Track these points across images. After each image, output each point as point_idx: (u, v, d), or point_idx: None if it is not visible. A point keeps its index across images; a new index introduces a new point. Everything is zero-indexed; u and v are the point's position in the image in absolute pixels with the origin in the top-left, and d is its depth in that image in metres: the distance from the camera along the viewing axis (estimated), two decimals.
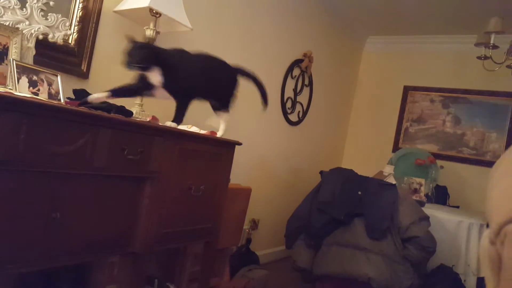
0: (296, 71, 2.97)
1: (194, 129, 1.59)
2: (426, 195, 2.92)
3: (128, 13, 1.56)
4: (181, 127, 1.57)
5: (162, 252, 1.56)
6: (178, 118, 1.36)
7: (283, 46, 2.78)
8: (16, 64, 1.17)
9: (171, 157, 1.29)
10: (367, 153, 3.86)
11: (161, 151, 1.24)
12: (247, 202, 1.99)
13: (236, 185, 1.96)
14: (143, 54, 1.24)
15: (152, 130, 1.22)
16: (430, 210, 2.46)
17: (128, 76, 1.66)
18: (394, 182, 2.51)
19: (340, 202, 2.26)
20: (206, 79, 1.43)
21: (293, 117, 3.04)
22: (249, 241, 2.52)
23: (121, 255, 1.26)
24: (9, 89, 1.10)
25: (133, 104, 1.53)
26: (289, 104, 2.95)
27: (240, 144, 1.65)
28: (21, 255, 0.91)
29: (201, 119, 1.65)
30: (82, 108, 1.08)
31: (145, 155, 1.18)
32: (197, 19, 1.94)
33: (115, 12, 1.55)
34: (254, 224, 2.72)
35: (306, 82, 3.13)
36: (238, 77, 1.59)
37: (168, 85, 1.30)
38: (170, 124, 1.32)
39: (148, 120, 1.46)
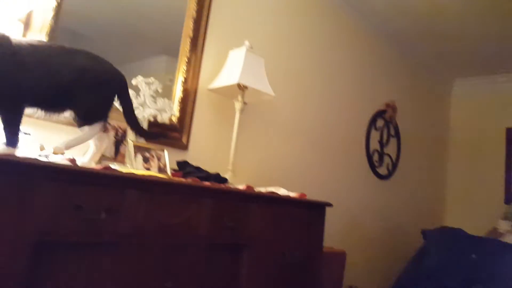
0: (380, 122, 2.88)
1: (282, 191, 1.60)
2: None
3: (220, 90, 1.73)
4: (270, 189, 1.59)
5: None
6: (10, 138, 0.89)
7: (363, 99, 2.75)
8: (133, 144, 1.36)
9: (265, 223, 1.30)
10: (474, 207, 3.37)
11: (256, 217, 1.26)
12: (343, 267, 1.86)
13: (329, 248, 1.86)
14: None
15: (247, 197, 1.26)
16: None
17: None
18: None
19: (452, 268, 1.95)
20: (47, 73, 0.95)
21: (382, 171, 2.87)
22: None
23: None
24: (128, 166, 1.27)
25: (226, 171, 1.62)
26: (376, 157, 2.82)
27: (330, 205, 1.59)
28: None
29: None
30: (190, 181, 1.17)
31: (242, 222, 1.21)
32: (277, 84, 2.04)
33: (209, 90, 1.75)
34: None
35: (392, 132, 2.99)
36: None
37: None
38: (2, 149, 0.89)
39: (242, 187, 1.51)
